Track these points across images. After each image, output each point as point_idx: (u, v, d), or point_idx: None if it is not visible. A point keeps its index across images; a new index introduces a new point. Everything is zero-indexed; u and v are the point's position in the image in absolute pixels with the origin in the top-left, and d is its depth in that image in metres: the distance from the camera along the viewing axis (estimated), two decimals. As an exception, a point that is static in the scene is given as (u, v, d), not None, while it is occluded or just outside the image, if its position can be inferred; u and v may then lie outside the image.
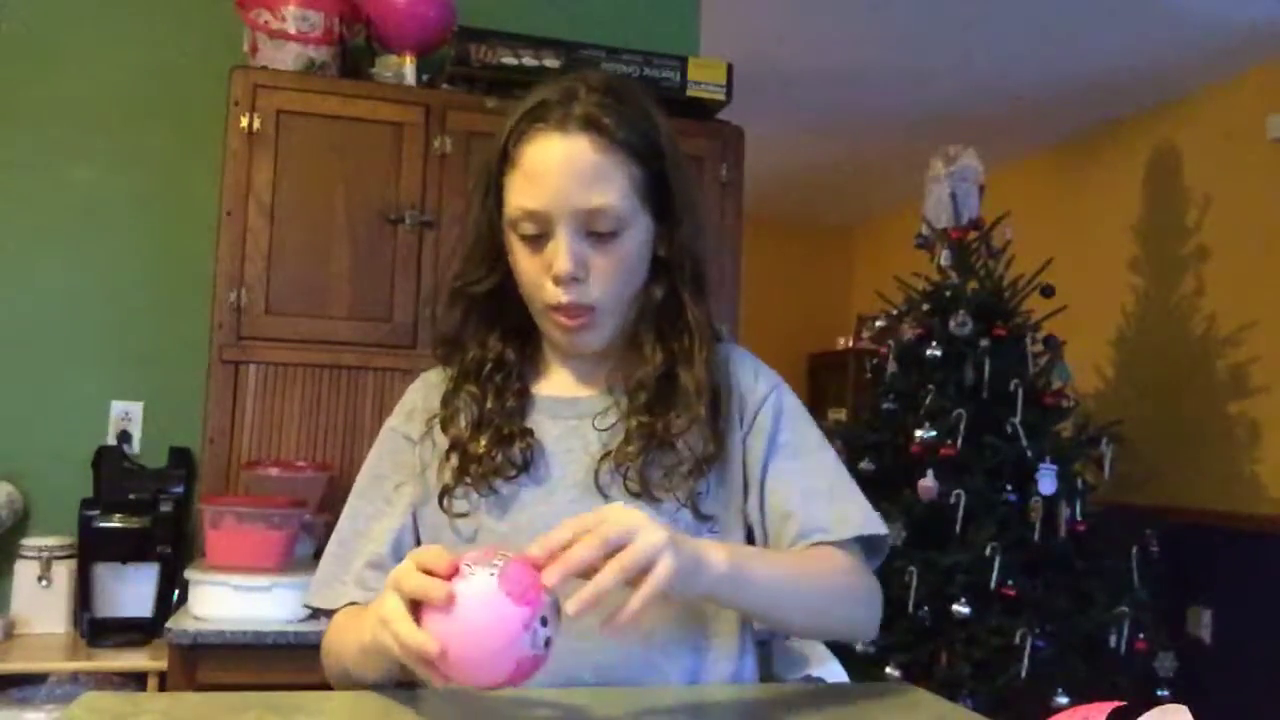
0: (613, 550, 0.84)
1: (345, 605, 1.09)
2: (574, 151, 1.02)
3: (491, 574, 0.81)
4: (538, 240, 1.04)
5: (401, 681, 0.98)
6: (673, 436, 1.06)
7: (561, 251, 1.03)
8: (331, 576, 1.12)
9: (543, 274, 1.04)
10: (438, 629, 0.81)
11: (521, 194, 1.04)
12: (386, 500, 1.14)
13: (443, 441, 1.10)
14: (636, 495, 1.05)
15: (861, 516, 1.10)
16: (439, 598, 0.81)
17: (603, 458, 1.07)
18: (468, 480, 1.07)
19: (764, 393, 1.14)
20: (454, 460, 1.09)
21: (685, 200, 1.09)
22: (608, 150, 1.03)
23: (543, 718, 0.92)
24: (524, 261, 1.06)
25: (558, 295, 1.04)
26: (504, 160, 1.06)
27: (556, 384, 1.14)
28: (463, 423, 1.10)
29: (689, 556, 0.89)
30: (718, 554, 0.93)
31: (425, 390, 1.17)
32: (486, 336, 1.13)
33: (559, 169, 1.02)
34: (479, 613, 0.80)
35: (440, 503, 1.09)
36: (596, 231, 1.03)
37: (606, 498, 1.06)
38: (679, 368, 1.09)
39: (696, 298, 1.11)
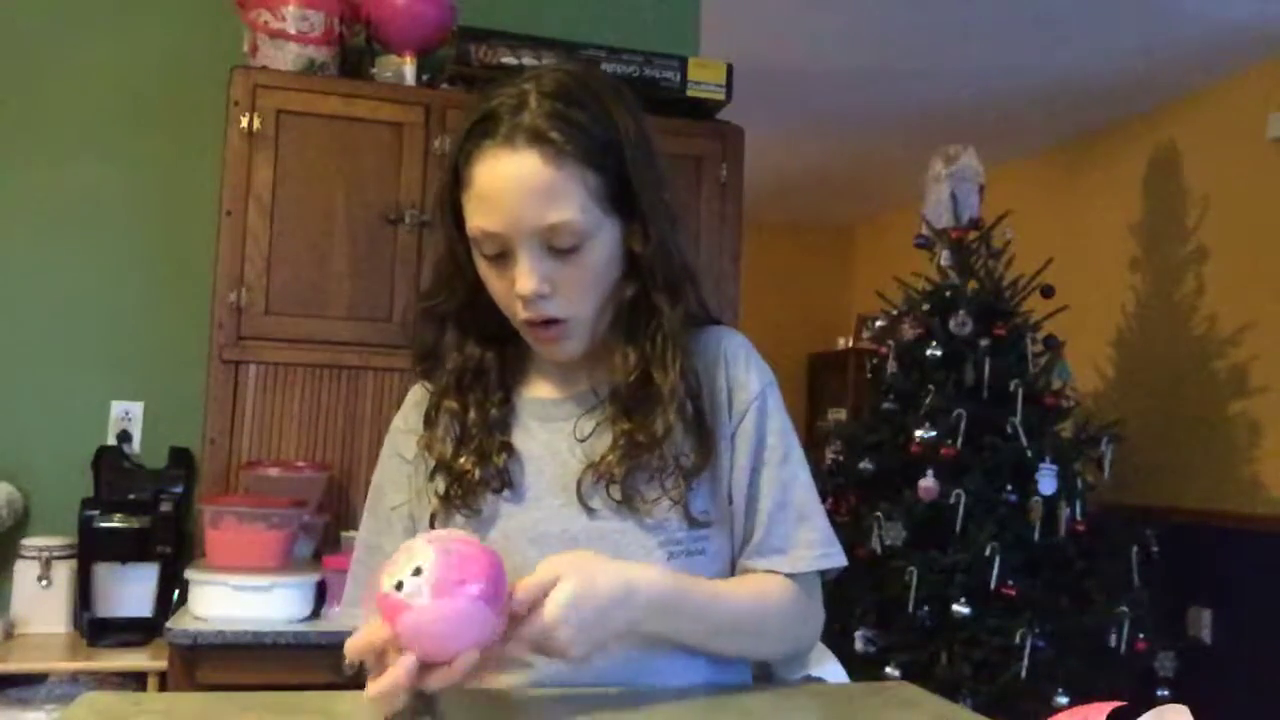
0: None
1: None
2: (524, 169, 0.98)
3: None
4: (501, 258, 1.02)
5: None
6: (655, 442, 1.04)
7: (523, 272, 1.01)
8: (354, 599, 1.15)
9: (511, 291, 1.03)
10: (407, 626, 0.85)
11: (477, 215, 1.01)
12: (387, 520, 1.15)
13: (431, 463, 1.10)
14: (619, 504, 1.04)
15: (821, 548, 1.10)
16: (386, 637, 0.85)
17: (586, 468, 1.06)
18: (454, 503, 1.07)
19: (755, 390, 1.12)
20: (439, 482, 1.09)
21: (652, 198, 1.06)
22: (559, 163, 0.99)
23: (542, 718, 0.92)
24: (492, 279, 1.04)
25: (527, 313, 1.03)
26: (456, 178, 1.03)
27: (541, 386, 1.14)
28: (446, 442, 1.10)
29: (590, 626, 0.92)
30: (630, 613, 0.96)
31: (413, 409, 1.16)
32: (464, 345, 1.12)
33: (510, 189, 0.99)
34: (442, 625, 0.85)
35: (431, 527, 1.08)
36: (558, 247, 1.01)
37: (590, 509, 1.05)
38: (653, 369, 1.07)
39: (670, 298, 1.08)
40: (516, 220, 0.99)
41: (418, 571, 0.84)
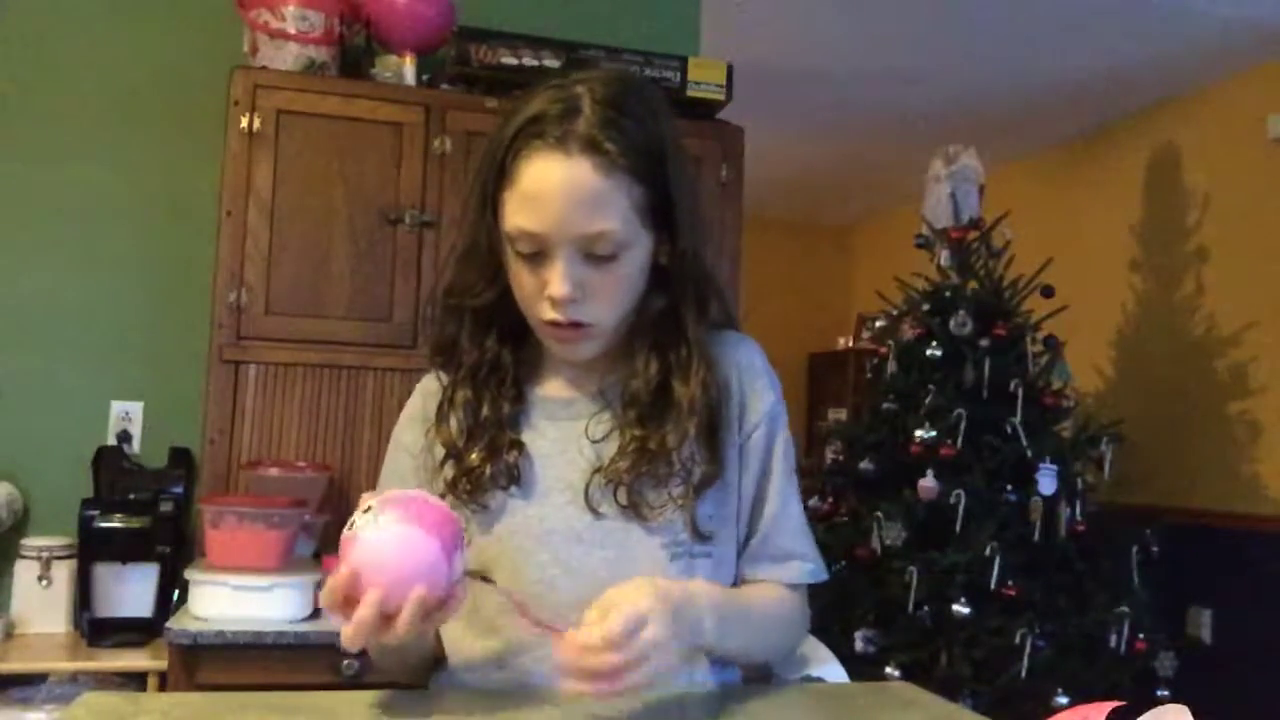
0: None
1: None
2: (575, 175, 0.98)
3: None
4: (535, 257, 1.02)
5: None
6: (666, 451, 1.05)
7: (559, 276, 1.01)
8: None
9: (540, 291, 1.03)
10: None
11: (519, 214, 1.01)
12: None
13: (440, 452, 1.10)
14: (625, 509, 1.05)
15: (812, 561, 1.15)
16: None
17: (595, 471, 1.06)
18: (461, 496, 1.07)
19: (770, 403, 1.14)
20: (448, 470, 1.09)
21: (687, 209, 1.06)
22: (610, 173, 0.99)
23: (543, 717, 0.92)
24: (521, 276, 1.04)
25: (553, 314, 1.03)
26: (500, 175, 1.03)
27: (554, 385, 1.14)
28: (457, 431, 1.10)
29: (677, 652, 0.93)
30: (706, 623, 0.99)
31: (424, 399, 1.16)
32: (484, 339, 1.12)
33: (559, 193, 0.99)
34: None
35: None
36: (596, 254, 1.01)
37: (596, 512, 1.05)
38: (674, 380, 1.08)
39: (698, 310, 1.09)
40: (560, 225, 0.99)
41: (368, 510, 0.92)
